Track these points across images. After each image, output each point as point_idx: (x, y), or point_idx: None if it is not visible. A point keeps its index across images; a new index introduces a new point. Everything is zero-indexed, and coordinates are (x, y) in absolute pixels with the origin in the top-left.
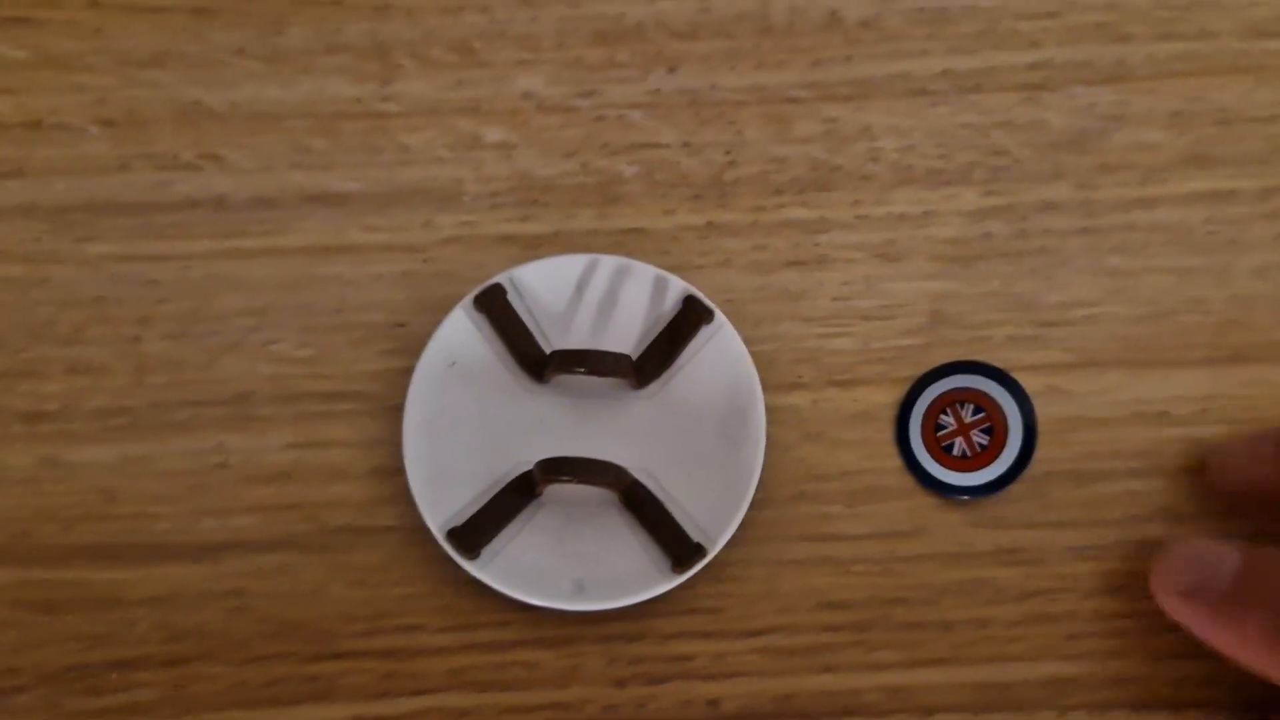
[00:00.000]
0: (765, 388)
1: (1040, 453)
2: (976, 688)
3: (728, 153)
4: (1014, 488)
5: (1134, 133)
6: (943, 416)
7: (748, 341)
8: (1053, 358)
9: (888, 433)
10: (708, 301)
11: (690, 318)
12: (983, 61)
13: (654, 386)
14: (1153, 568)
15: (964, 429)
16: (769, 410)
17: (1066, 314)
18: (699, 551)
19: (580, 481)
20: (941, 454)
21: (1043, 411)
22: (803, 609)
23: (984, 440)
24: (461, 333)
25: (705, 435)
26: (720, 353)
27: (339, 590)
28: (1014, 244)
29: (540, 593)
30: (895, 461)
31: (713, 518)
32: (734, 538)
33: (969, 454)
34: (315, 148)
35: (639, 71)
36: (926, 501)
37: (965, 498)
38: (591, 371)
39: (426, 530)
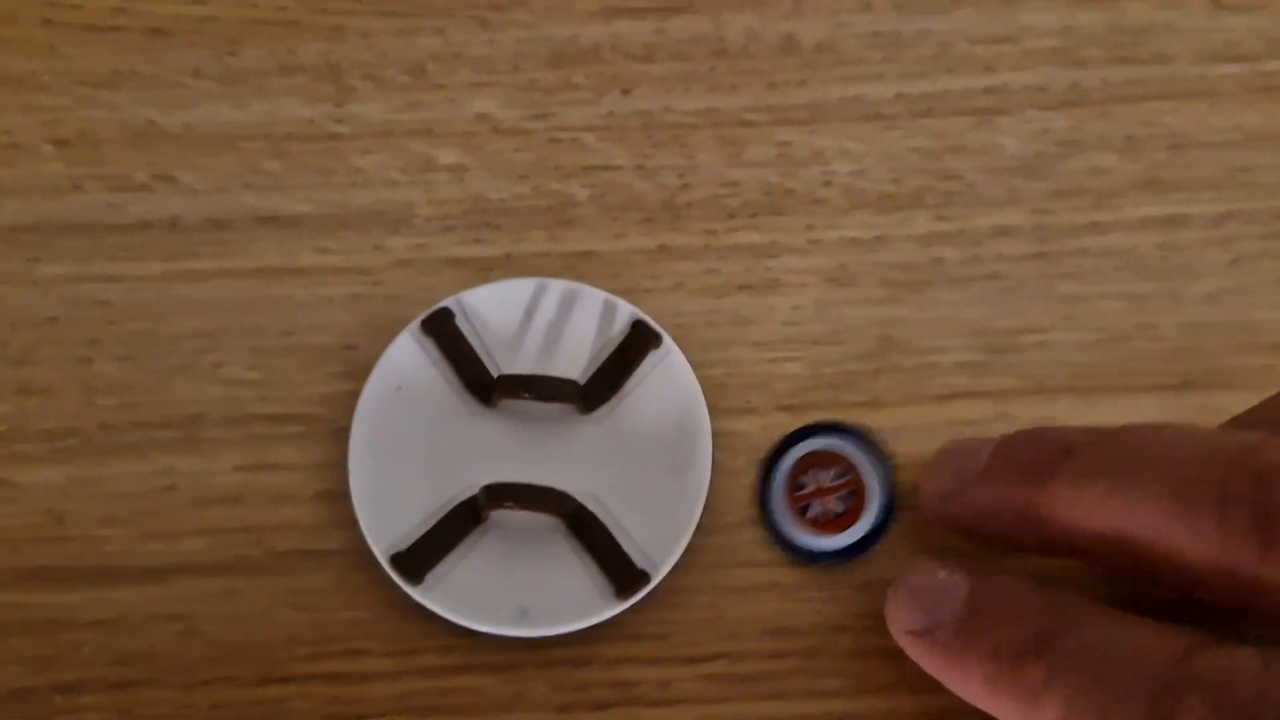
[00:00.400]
0: (715, 413)
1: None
2: (922, 715)
3: (681, 176)
4: None
5: (1088, 158)
6: (802, 478)
7: (698, 366)
8: (1002, 384)
9: None
10: (656, 326)
11: (638, 342)
12: (936, 85)
13: (602, 411)
14: (886, 604)
15: (823, 492)
16: (718, 435)
17: (1017, 340)
18: (643, 578)
19: (525, 508)
20: (799, 516)
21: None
22: (749, 635)
23: (841, 507)
24: (409, 356)
25: (652, 461)
26: (668, 378)
27: (286, 614)
28: (965, 270)
29: (484, 618)
30: None
31: (658, 544)
32: (680, 564)
33: (830, 517)
34: (268, 169)
35: (593, 94)
36: None
37: (827, 564)
38: (538, 397)
39: (372, 554)
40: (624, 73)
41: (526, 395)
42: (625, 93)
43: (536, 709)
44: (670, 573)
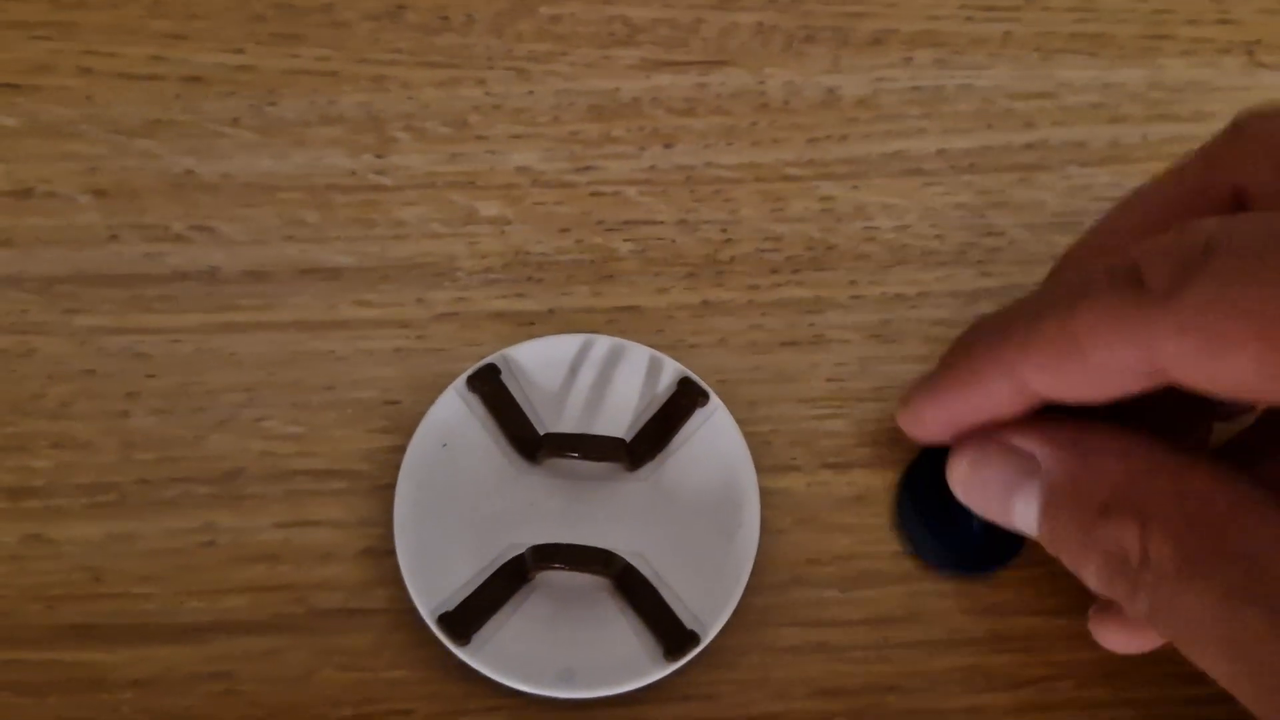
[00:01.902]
0: (760, 470)
1: (1038, 551)
2: None
3: (723, 230)
4: (1011, 574)
5: None
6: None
7: (742, 423)
8: None
9: (883, 516)
10: (703, 384)
11: (685, 400)
12: (978, 141)
13: (648, 469)
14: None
15: None
16: (763, 493)
17: None
18: (692, 639)
19: (572, 568)
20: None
21: None
22: (797, 696)
23: None
24: (454, 413)
25: (699, 519)
26: (715, 435)
27: (328, 674)
28: None
29: (530, 679)
30: (890, 546)
31: (706, 604)
32: (727, 624)
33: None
34: (308, 220)
35: (635, 147)
36: (922, 587)
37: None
38: (585, 456)
39: (416, 613)
40: (665, 126)
41: (574, 455)
42: (667, 146)
43: None
44: (719, 634)
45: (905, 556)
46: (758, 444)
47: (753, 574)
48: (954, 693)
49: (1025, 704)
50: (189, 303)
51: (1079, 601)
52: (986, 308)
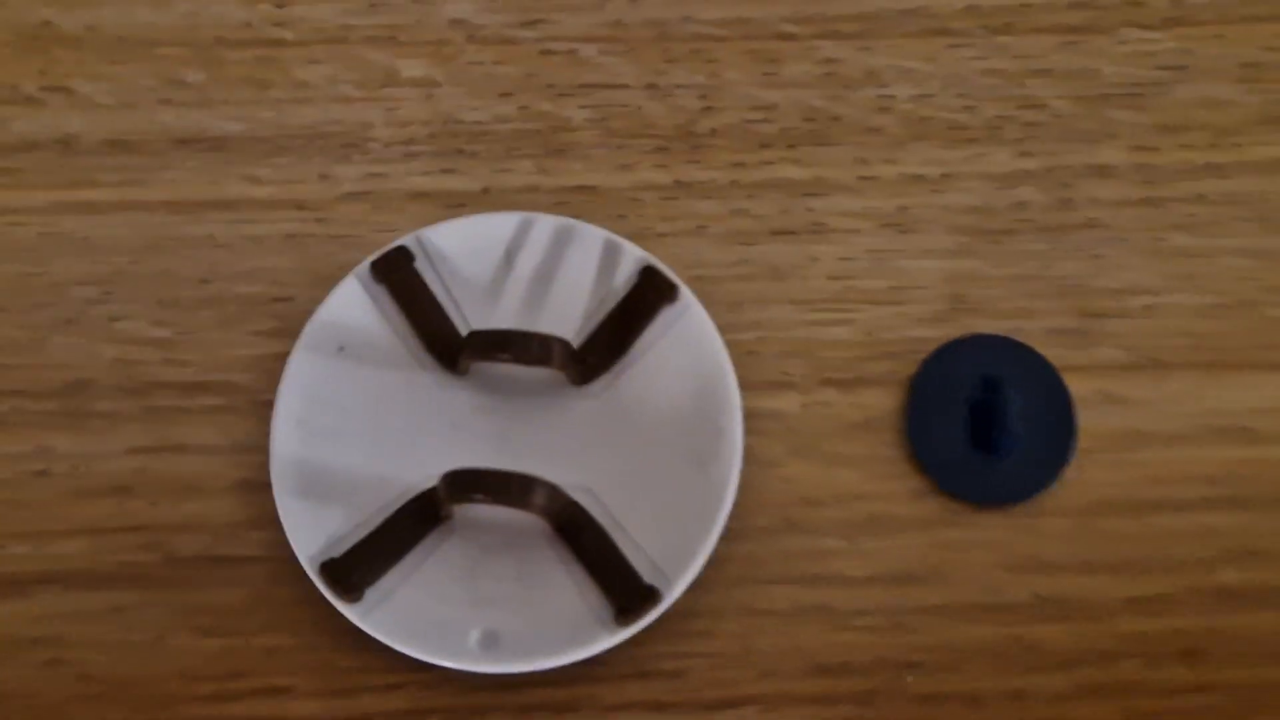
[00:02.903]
0: (744, 387)
1: (1089, 475)
2: None
3: (702, 97)
4: (1059, 521)
5: (1200, 87)
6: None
7: (722, 329)
8: (1105, 357)
9: (900, 446)
10: (671, 275)
11: (648, 295)
12: None
13: (600, 383)
14: None
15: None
16: (749, 416)
17: (1122, 303)
18: (651, 597)
19: (499, 502)
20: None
21: (1093, 424)
22: (788, 674)
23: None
24: (355, 309)
25: (665, 447)
26: (686, 341)
27: (185, 640)
28: (1054, 217)
29: (441, 648)
30: (908, 482)
31: (671, 553)
32: (700, 580)
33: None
34: (190, 81)
35: None
36: (948, 536)
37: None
38: (517, 359)
39: (299, 563)
40: None
41: (503, 357)
42: None
43: None
44: (687, 591)
45: (927, 497)
46: (741, 355)
47: (733, 516)
48: (989, 672)
49: (1081, 687)
50: (36, 177)
51: (1142, 557)
52: (1026, 194)
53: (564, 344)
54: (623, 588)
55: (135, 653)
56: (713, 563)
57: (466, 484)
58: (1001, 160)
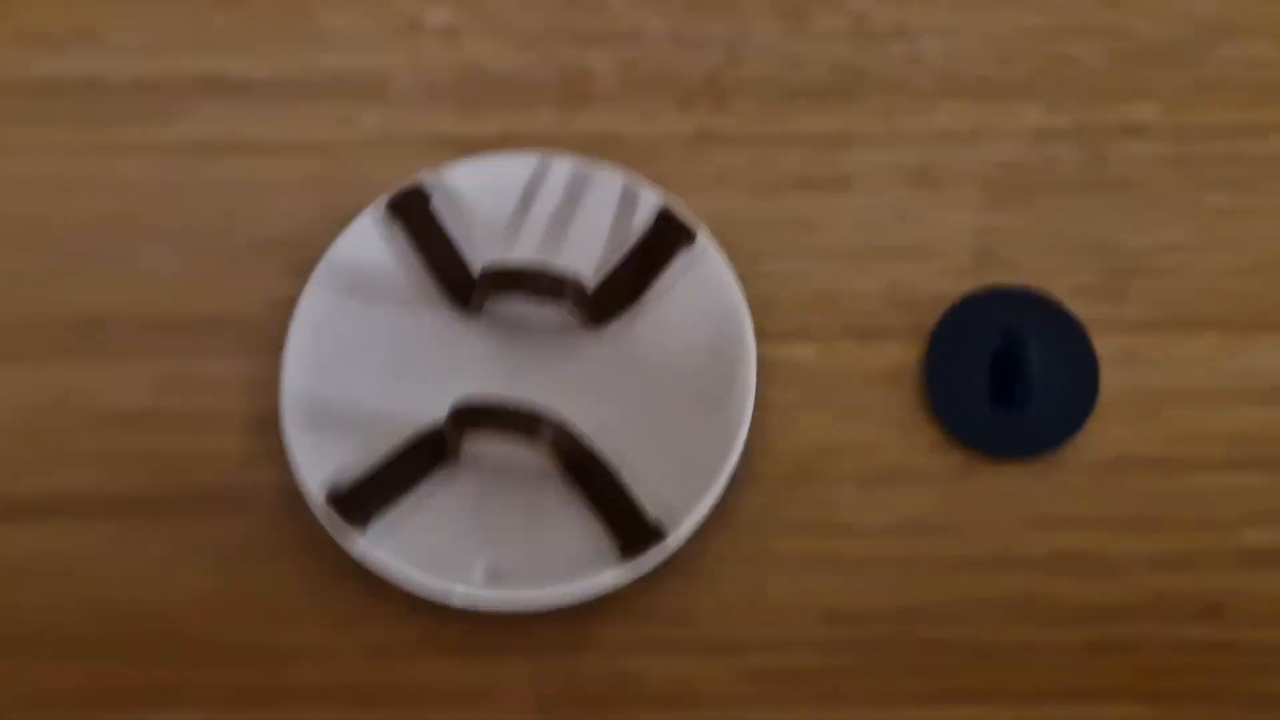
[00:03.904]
0: (761, 336)
1: (1112, 433)
2: None
3: (729, 48)
4: (1080, 477)
5: (1241, 45)
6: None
7: (743, 279)
8: (1132, 314)
9: (917, 399)
10: (688, 218)
11: (665, 239)
12: None
13: (615, 327)
14: None
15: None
16: (765, 365)
17: (1152, 260)
18: (657, 535)
19: (506, 435)
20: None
21: (1118, 381)
22: (798, 620)
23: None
24: (370, 247)
25: (677, 390)
26: (702, 286)
27: (192, 570)
28: (1087, 173)
29: (445, 580)
30: (927, 435)
31: (680, 494)
32: (710, 525)
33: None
34: (216, 24)
35: None
36: (966, 488)
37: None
38: (530, 294)
39: (307, 499)
40: None
41: (517, 293)
42: None
43: (511, 705)
44: (697, 536)
45: (944, 450)
46: (761, 304)
47: (746, 465)
48: (1001, 623)
49: (1094, 642)
50: (60, 116)
51: (1165, 515)
52: (1057, 150)
53: (578, 282)
54: (628, 525)
55: (143, 581)
56: (723, 509)
57: (474, 417)
58: (1033, 116)
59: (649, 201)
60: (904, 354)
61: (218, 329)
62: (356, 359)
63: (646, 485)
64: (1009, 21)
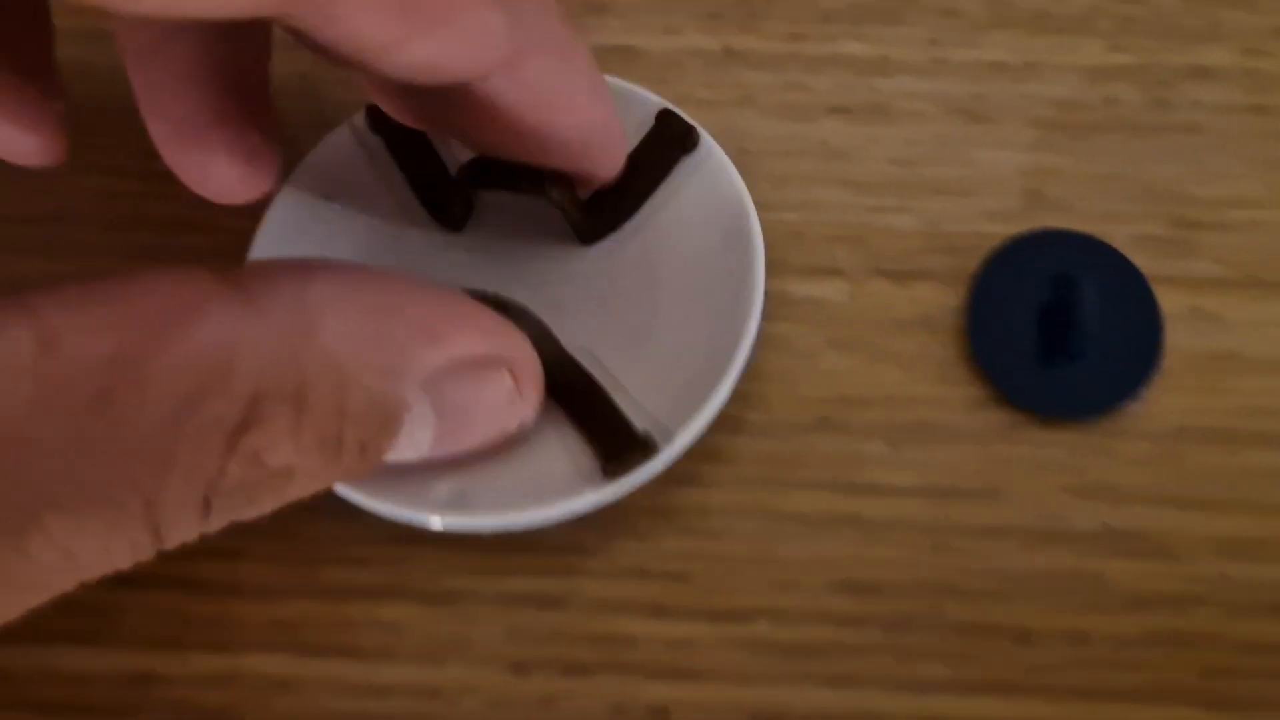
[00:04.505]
0: (785, 272)
1: (1176, 400)
2: None
3: None
4: (1139, 445)
5: None
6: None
7: (768, 208)
8: (1199, 270)
9: (956, 347)
10: (691, 121)
11: (665, 141)
12: None
13: (609, 243)
14: None
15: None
16: (786, 302)
17: (1221, 214)
18: (645, 448)
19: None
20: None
21: (1183, 342)
22: (810, 587)
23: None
24: (345, 159)
25: (677, 308)
26: (706, 194)
27: None
28: (1149, 116)
29: (403, 499)
30: (965, 388)
31: (673, 408)
32: (718, 476)
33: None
34: None
35: None
36: (1008, 451)
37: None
38: (514, 188)
39: None
40: None
41: (499, 184)
42: None
43: (480, 662)
44: (701, 488)
45: (986, 406)
46: (786, 236)
47: (761, 410)
48: (1044, 607)
49: (1150, 633)
50: None
51: (1234, 495)
52: (1117, 90)
53: (566, 179)
54: (614, 438)
55: None
56: (734, 460)
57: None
58: (1093, 53)
59: (645, 103)
60: (943, 297)
61: (187, 229)
62: None
63: (640, 400)
64: None
